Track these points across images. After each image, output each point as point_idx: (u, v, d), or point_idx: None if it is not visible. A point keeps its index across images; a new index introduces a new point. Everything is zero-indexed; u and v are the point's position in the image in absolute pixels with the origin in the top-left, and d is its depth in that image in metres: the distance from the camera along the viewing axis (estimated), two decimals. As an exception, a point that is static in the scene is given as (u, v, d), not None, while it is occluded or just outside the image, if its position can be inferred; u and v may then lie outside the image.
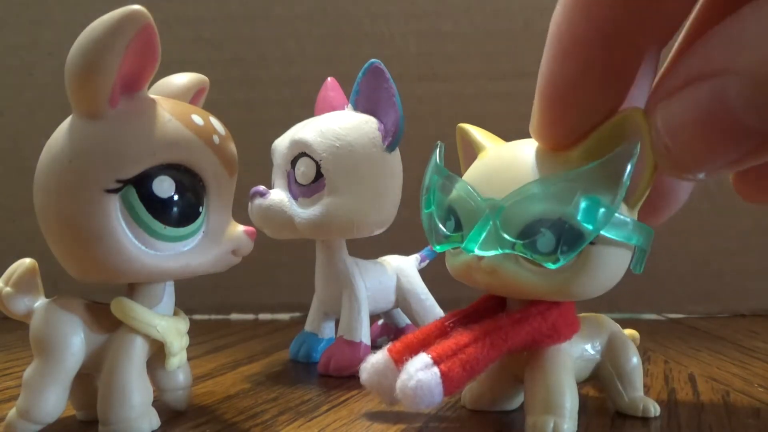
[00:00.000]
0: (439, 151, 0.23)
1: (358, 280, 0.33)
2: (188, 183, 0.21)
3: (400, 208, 0.32)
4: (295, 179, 0.31)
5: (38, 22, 0.55)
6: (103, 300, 0.23)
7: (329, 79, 0.34)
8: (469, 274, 0.21)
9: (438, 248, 0.22)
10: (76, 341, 0.21)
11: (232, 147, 0.23)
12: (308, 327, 0.36)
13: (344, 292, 0.33)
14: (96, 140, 0.20)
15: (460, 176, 0.22)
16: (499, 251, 0.20)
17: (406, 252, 0.38)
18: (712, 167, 0.17)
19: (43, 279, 0.22)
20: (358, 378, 0.22)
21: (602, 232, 0.19)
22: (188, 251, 0.22)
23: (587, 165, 0.19)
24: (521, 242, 0.19)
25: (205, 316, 0.54)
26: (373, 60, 0.30)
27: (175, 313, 0.24)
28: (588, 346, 0.23)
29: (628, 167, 0.18)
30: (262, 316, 0.54)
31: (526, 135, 0.21)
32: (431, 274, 0.37)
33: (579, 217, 0.18)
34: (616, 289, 0.21)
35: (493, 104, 0.52)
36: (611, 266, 0.20)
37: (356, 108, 0.32)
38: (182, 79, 0.25)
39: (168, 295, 0.23)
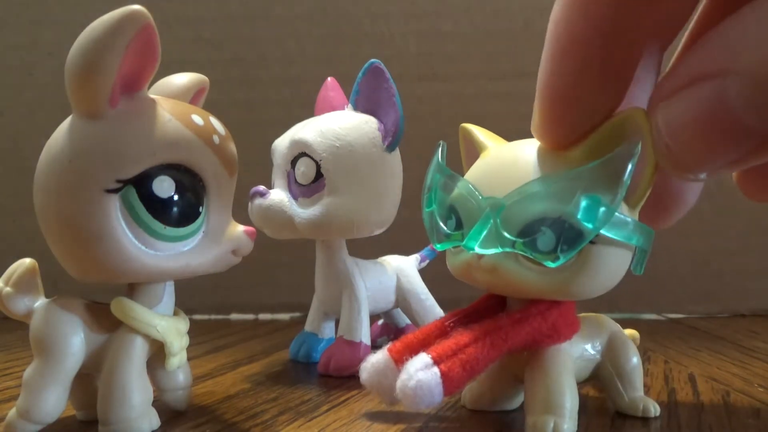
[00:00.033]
0: (441, 151, 0.23)
1: (358, 280, 0.33)
2: (188, 183, 0.21)
3: (400, 208, 0.32)
4: (295, 179, 0.31)
5: (38, 22, 0.55)
6: (103, 300, 0.23)
7: (329, 79, 0.34)
8: (470, 273, 0.21)
9: (439, 247, 0.22)
10: (76, 341, 0.21)
11: (232, 147, 0.23)
12: (308, 327, 0.36)
13: (344, 292, 0.33)
14: (96, 140, 0.20)
15: (463, 176, 0.22)
16: (499, 249, 0.20)
17: (406, 252, 0.38)
18: (712, 167, 0.17)
19: (43, 279, 0.22)
20: (358, 378, 0.22)
21: (602, 232, 0.19)
22: (188, 251, 0.22)
23: (588, 164, 0.19)
24: (521, 241, 0.19)
25: (205, 316, 0.54)
26: (373, 60, 0.30)
27: (175, 313, 0.24)
28: (588, 346, 0.23)
29: (629, 167, 0.18)
30: (262, 316, 0.54)
31: (526, 135, 0.21)
32: (431, 274, 0.37)
33: (579, 216, 0.18)
34: (616, 289, 0.21)
35: (493, 104, 0.52)
36: (611, 266, 0.20)
37: (356, 108, 0.32)
38: (182, 79, 0.25)
39: (168, 295, 0.23)
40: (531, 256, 0.19)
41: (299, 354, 0.35)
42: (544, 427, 0.20)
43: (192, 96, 0.25)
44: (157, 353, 0.23)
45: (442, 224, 0.22)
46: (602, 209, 0.18)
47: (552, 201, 0.19)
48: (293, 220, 0.30)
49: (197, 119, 0.21)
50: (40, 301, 0.22)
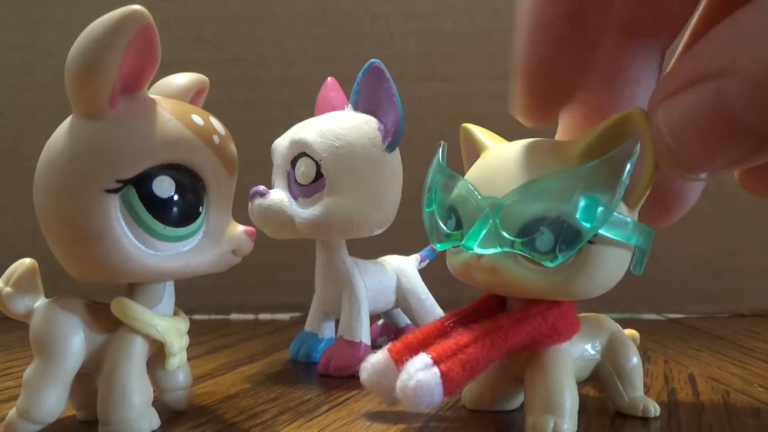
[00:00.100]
0: (442, 151, 0.23)
1: (358, 280, 0.33)
2: (188, 183, 0.21)
3: (400, 208, 0.32)
4: (295, 179, 0.31)
5: (38, 22, 0.55)
6: (103, 300, 0.23)
7: (329, 79, 0.34)
8: (469, 273, 0.21)
9: (439, 247, 0.22)
10: (76, 341, 0.21)
11: (232, 147, 0.23)
12: (308, 327, 0.36)
13: (344, 292, 0.33)
14: (96, 140, 0.20)
15: (463, 176, 0.22)
16: (498, 249, 0.20)
17: (406, 252, 0.38)
18: (713, 167, 0.17)
19: (43, 279, 0.22)
20: (358, 378, 0.22)
21: (601, 232, 0.19)
22: (188, 251, 0.22)
23: (587, 164, 0.19)
24: (520, 240, 0.19)
25: (205, 316, 0.54)
26: (373, 60, 0.30)
27: (175, 313, 0.24)
28: (588, 346, 0.23)
29: (628, 166, 0.18)
30: (262, 316, 0.54)
31: (526, 135, 0.21)
32: (431, 274, 0.37)
33: (577, 216, 0.18)
34: (616, 289, 0.21)
35: (493, 104, 0.51)
36: (611, 266, 0.20)
37: (356, 108, 0.32)
38: (182, 79, 0.25)
39: (168, 295, 0.23)
40: (530, 256, 0.19)
41: (299, 354, 0.35)
42: (544, 427, 0.20)
43: (192, 96, 0.25)
44: (157, 353, 0.23)
45: (441, 224, 0.22)
46: (601, 209, 0.18)
47: (551, 201, 0.19)
48: (293, 220, 0.30)
49: (197, 119, 0.21)
50: (40, 301, 0.22)
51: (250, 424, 0.23)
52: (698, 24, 0.22)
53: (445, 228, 0.22)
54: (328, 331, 0.36)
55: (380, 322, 0.39)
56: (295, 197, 0.31)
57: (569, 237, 0.19)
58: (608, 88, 0.22)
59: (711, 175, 0.17)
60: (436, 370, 0.19)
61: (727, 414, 0.24)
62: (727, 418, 0.23)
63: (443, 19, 0.53)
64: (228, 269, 0.23)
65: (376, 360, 0.21)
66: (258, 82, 0.54)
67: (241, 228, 0.23)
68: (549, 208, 0.19)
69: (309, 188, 0.30)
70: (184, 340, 0.23)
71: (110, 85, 0.19)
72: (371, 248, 0.36)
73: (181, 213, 0.21)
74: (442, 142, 0.23)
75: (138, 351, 0.22)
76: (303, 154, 0.30)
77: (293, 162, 0.31)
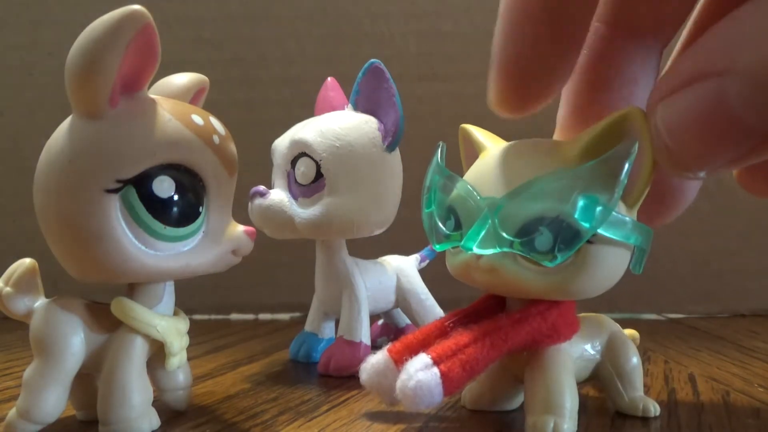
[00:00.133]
0: (441, 151, 0.23)
1: (358, 280, 0.33)
2: (188, 183, 0.21)
3: (400, 208, 0.32)
4: (295, 179, 0.31)
5: (38, 22, 0.55)
6: (103, 300, 0.23)
7: (329, 79, 0.34)
8: (469, 273, 0.21)
9: (438, 247, 0.22)
10: (76, 341, 0.21)
11: (232, 147, 0.23)
12: (308, 327, 0.36)
13: (344, 292, 0.33)
14: (96, 140, 0.20)
15: (462, 176, 0.22)
16: (497, 250, 0.20)
17: (406, 252, 0.38)
18: (712, 166, 0.17)
19: (43, 279, 0.22)
20: (358, 378, 0.22)
21: (600, 231, 0.19)
22: (188, 251, 0.22)
23: (585, 164, 0.19)
24: (519, 240, 0.19)
25: (205, 316, 0.54)
26: (373, 60, 0.30)
27: (175, 313, 0.24)
28: (588, 346, 0.23)
29: (626, 166, 0.18)
30: (262, 316, 0.54)
31: (526, 135, 0.21)
32: (431, 274, 0.37)
33: (576, 216, 0.18)
34: (616, 289, 0.21)
35: (493, 104, 0.52)
36: (610, 266, 0.20)
37: (356, 108, 0.32)
38: (182, 79, 0.25)
39: (168, 295, 0.23)
40: (529, 256, 0.19)
41: (299, 354, 0.35)
42: (544, 427, 0.20)
43: (192, 96, 0.25)
44: (157, 353, 0.23)
45: (441, 225, 0.22)
46: (599, 208, 0.18)
47: (549, 201, 0.19)
48: (293, 220, 0.30)
49: (197, 119, 0.21)
50: (40, 301, 0.22)
51: (250, 424, 0.23)
52: (696, 23, 0.22)
53: (444, 229, 0.22)
54: (328, 331, 0.36)
55: (380, 322, 0.39)
56: (295, 197, 0.31)
57: (568, 237, 0.19)
58: (606, 88, 0.22)
59: (710, 174, 0.17)
60: (436, 370, 0.19)
61: (727, 414, 0.24)
62: (727, 418, 0.23)
63: (443, 19, 0.53)
64: (228, 269, 0.23)
65: (376, 360, 0.21)
66: (258, 82, 0.54)
67: (241, 228, 0.23)
68: (548, 208, 0.19)
69: (309, 188, 0.30)
70: (184, 340, 0.23)
71: (110, 85, 0.19)
72: (371, 248, 0.36)
73: (181, 213, 0.21)
74: (441, 143, 0.23)
75: (138, 351, 0.22)
76: (303, 154, 0.30)
77: (293, 162, 0.31)
